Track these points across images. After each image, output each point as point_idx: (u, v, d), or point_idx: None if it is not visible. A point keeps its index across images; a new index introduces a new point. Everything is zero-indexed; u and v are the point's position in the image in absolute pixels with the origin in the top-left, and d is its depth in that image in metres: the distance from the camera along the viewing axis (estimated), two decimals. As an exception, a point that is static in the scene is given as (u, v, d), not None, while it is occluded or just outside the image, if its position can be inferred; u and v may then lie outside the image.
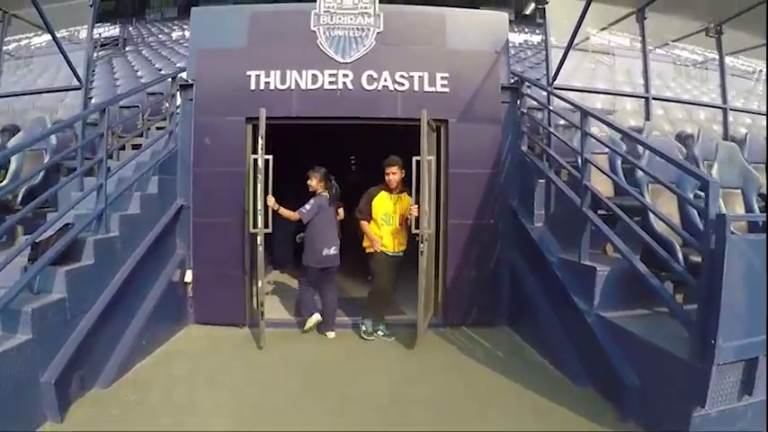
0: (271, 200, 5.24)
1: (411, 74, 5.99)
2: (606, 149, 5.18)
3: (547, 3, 6.40)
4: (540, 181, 5.69)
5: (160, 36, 18.22)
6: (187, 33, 14.41)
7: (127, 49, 16.11)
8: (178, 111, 6.22)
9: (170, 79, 6.28)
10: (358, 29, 6.03)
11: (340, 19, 6.02)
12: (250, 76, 5.93)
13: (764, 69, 10.81)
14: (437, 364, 4.93)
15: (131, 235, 5.01)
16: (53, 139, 5.67)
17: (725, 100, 7.46)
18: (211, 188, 5.92)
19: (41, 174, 5.18)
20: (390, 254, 5.63)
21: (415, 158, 5.23)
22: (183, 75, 6.33)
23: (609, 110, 7.47)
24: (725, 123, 7.37)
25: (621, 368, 3.86)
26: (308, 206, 5.58)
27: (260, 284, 5.33)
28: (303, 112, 5.83)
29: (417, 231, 5.30)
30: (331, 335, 5.69)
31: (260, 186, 5.14)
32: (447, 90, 6.02)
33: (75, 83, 5.98)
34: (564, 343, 4.77)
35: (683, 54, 12.21)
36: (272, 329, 5.61)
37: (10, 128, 6.08)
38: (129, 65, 12.14)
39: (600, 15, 5.77)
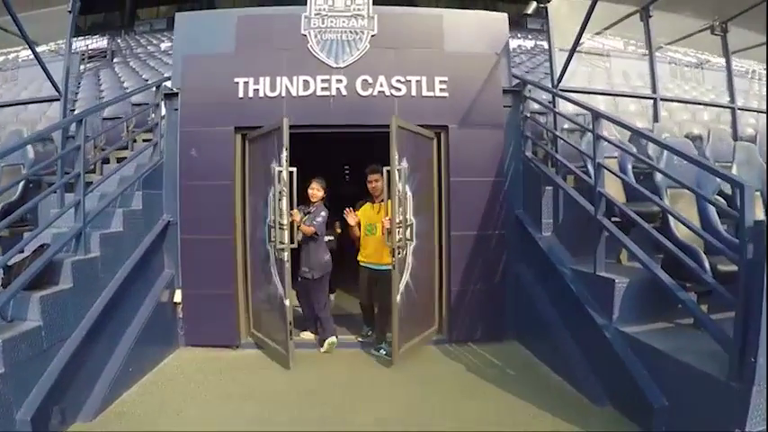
0: (296, 214, 5.22)
1: (408, 78, 5.73)
2: (615, 153, 4.96)
3: (549, 1, 6.10)
4: (548, 188, 5.40)
5: (149, 47, 17.97)
6: (176, 44, 14.11)
7: (115, 60, 15.84)
8: (163, 121, 5.91)
9: (154, 88, 5.96)
10: (351, 32, 5.77)
11: (332, 22, 5.77)
12: (238, 83, 5.65)
13: (759, 70, 10.73)
14: (445, 387, 4.58)
15: (114, 255, 4.67)
16: (30, 152, 5.37)
17: (733, 99, 7.22)
18: (199, 203, 5.61)
19: (19, 190, 4.93)
20: (374, 267, 5.45)
21: (385, 168, 5.06)
22: (169, 83, 6.02)
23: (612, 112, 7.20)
24: (734, 123, 7.11)
25: (647, 387, 3.57)
26: (319, 219, 5.55)
27: (287, 303, 5.02)
28: (294, 120, 5.39)
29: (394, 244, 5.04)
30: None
31: (285, 200, 4.93)
32: (446, 95, 5.75)
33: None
34: (579, 359, 4.48)
35: (675, 56, 12.15)
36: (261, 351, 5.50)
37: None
38: (116, 76, 11.83)
39: (596, 17, 5.52)
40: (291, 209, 5.06)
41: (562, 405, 4.07)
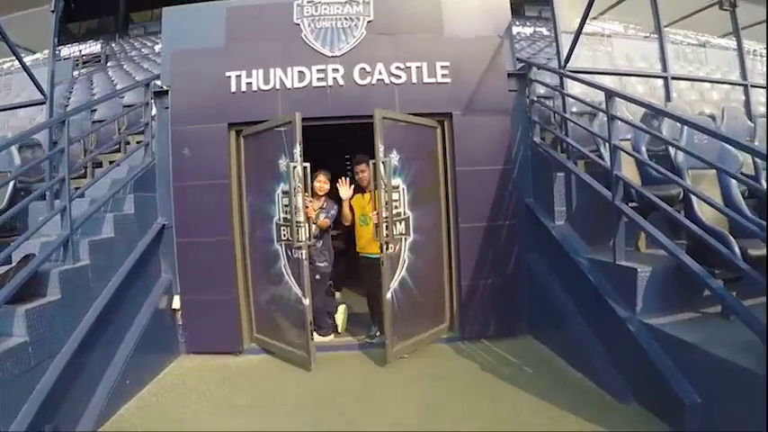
0: (311, 210, 5.16)
1: (408, 65, 5.48)
2: (627, 136, 4.80)
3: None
4: (559, 174, 5.14)
5: (143, 50, 17.74)
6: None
7: (108, 64, 15.64)
8: (154, 121, 5.69)
9: (144, 87, 5.72)
10: (346, 18, 5.53)
11: (325, 9, 5.53)
12: (230, 77, 5.43)
13: (759, 49, 10.47)
14: (460, 387, 4.32)
15: (106, 262, 4.44)
16: (17, 158, 5.21)
17: (745, 76, 6.96)
18: (194, 204, 5.39)
19: (6, 198, 4.81)
20: (372, 256, 5.22)
21: (371, 162, 4.93)
22: (159, 82, 5.79)
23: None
24: (747, 101, 6.85)
25: (677, 383, 3.32)
26: (333, 211, 5.47)
27: (306, 302, 4.84)
28: (290, 113, 5.17)
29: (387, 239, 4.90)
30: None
31: (300, 197, 4.81)
32: (448, 81, 5.50)
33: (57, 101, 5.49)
34: (599, 354, 4.24)
35: (676, 38, 11.91)
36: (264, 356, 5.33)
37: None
38: (109, 80, 11.62)
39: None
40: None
41: (584, 403, 3.84)
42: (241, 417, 3.99)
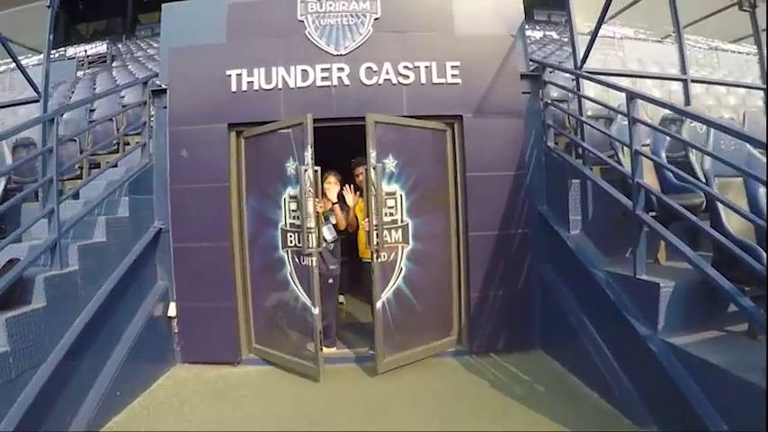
0: (322, 209, 5.02)
1: (416, 64, 5.25)
2: (646, 141, 4.52)
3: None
4: (575, 181, 4.87)
5: (149, 51, 17.57)
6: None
7: (114, 65, 15.50)
8: (152, 120, 5.48)
9: (142, 85, 5.52)
10: (352, 15, 5.32)
11: (331, 5, 5.31)
12: (230, 75, 5.22)
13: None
14: (468, 405, 4.08)
15: (97, 267, 4.23)
16: (8, 158, 5.06)
17: (766, 80, 6.67)
18: (192, 207, 5.19)
19: None
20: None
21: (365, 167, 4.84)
22: (157, 80, 5.59)
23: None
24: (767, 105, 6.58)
25: (701, 409, 3.04)
26: (343, 214, 5.31)
27: (316, 312, 4.70)
28: (293, 113, 5.03)
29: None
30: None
31: (311, 202, 4.66)
32: (459, 81, 5.27)
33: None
34: (616, 373, 3.98)
35: (687, 42, 11.70)
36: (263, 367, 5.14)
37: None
38: (113, 80, 11.46)
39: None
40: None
41: (601, 425, 3.62)
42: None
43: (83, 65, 15.77)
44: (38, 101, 5.29)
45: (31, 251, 3.74)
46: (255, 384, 4.74)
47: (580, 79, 5.22)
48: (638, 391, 3.74)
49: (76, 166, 5.72)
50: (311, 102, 5.14)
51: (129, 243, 4.80)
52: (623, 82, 6.20)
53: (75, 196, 4.86)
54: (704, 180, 3.91)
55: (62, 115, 6.79)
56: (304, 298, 4.83)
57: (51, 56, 5.77)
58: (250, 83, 5.21)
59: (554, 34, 17.41)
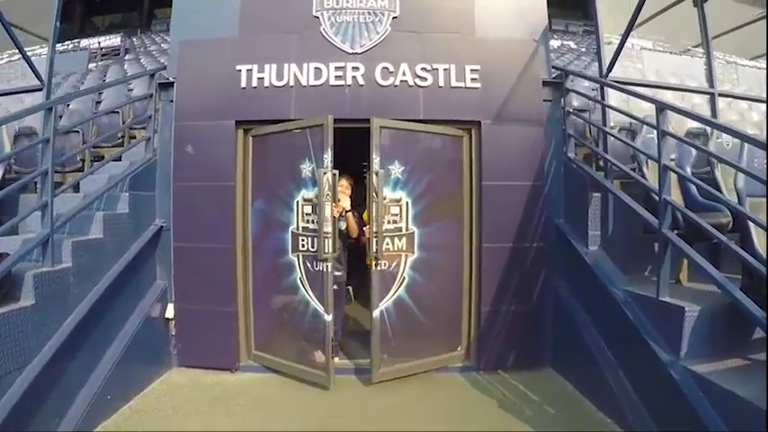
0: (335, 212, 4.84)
1: (435, 66, 5.06)
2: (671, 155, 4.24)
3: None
4: (595, 194, 4.66)
5: (163, 45, 17.50)
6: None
7: (126, 57, 15.43)
8: (158, 114, 5.30)
9: (149, 77, 5.35)
10: (369, 13, 5.13)
11: (347, 2, 5.13)
12: (241, 70, 5.04)
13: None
14: (474, 427, 3.88)
15: (92, 265, 4.04)
16: (6, 146, 4.90)
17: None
18: (195, 206, 5.02)
19: None
20: None
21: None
22: (165, 73, 5.41)
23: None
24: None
25: (724, 442, 2.82)
26: (354, 218, 5.18)
27: (329, 319, 4.62)
28: (304, 113, 4.89)
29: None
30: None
31: (329, 206, 4.58)
32: (478, 86, 5.08)
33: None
34: (632, 399, 3.76)
35: (702, 59, 11.53)
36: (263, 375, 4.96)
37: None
38: (124, 72, 11.31)
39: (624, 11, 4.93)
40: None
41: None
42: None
43: (96, 57, 15.72)
44: (40, 89, 5.14)
45: (23, 245, 3.56)
46: (253, 393, 4.55)
47: (603, 89, 5.00)
48: (653, 417, 3.54)
49: (79, 159, 5.54)
50: (323, 101, 4.98)
51: (128, 240, 4.61)
52: (646, 93, 6.05)
53: (76, 189, 4.69)
54: (735, 199, 3.69)
55: (68, 105, 6.77)
56: (315, 304, 4.72)
57: (66, 47, 5.63)
58: (260, 79, 5.04)
59: (572, 44, 17.25)
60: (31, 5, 5.82)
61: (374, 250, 4.64)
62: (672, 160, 4.36)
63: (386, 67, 5.05)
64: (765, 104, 6.46)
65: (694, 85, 6.53)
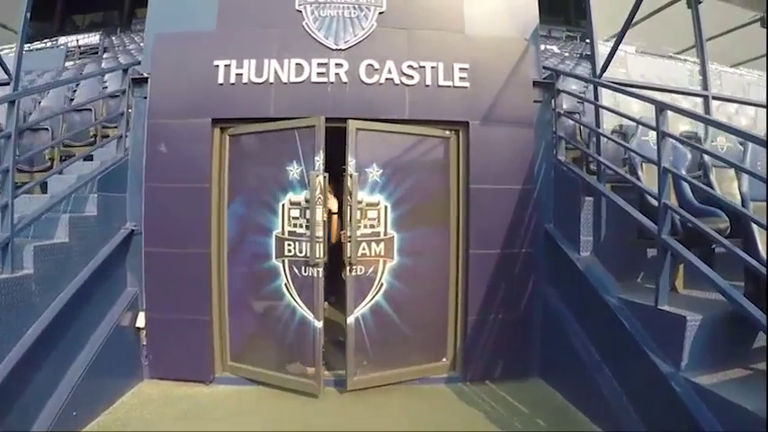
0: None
1: (422, 64, 4.89)
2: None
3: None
4: (587, 198, 4.53)
5: (142, 44, 17.28)
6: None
7: (104, 56, 15.18)
8: (131, 111, 5.06)
9: (122, 73, 5.11)
10: (354, 7, 4.94)
11: (332, -5, 4.95)
12: (218, 66, 4.80)
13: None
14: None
15: (56, 271, 3.78)
16: None
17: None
18: (168, 208, 4.77)
19: None
20: None
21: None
22: (139, 68, 5.18)
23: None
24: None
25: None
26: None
27: (319, 326, 4.54)
28: (284, 111, 4.70)
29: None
30: None
31: (320, 210, 4.49)
32: (467, 85, 4.92)
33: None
34: (628, 411, 3.63)
35: (686, 64, 11.66)
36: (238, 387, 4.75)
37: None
38: (100, 71, 11.08)
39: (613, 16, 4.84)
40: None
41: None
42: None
43: (74, 55, 15.48)
44: (8, 84, 4.88)
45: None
46: (228, 405, 4.34)
47: (597, 90, 4.86)
48: (651, 430, 3.41)
49: (47, 158, 5.28)
50: (304, 99, 4.80)
51: (96, 245, 4.36)
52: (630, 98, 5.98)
53: (45, 190, 4.46)
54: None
55: (39, 102, 6.51)
56: (303, 311, 4.61)
57: (44, 45, 5.38)
58: (239, 75, 4.81)
59: (555, 48, 17.41)
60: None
61: (348, 255, 4.55)
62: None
63: (371, 65, 4.87)
64: (765, 106, 6.43)
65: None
